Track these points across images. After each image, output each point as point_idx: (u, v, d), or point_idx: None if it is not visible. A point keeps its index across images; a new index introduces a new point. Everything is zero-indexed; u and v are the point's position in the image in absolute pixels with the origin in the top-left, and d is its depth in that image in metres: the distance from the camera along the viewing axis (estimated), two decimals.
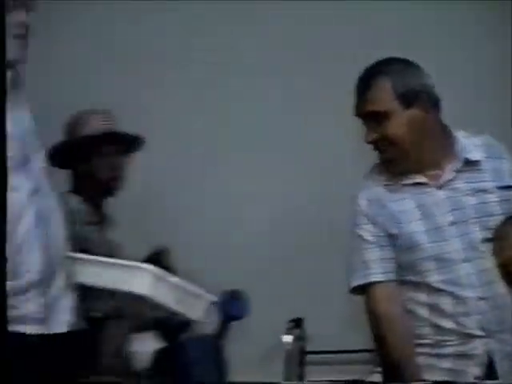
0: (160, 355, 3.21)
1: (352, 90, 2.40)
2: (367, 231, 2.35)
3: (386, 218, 2.33)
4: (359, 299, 2.42)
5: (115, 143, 3.21)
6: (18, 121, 2.04)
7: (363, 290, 2.36)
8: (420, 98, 2.28)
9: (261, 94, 4.26)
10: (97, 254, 2.64)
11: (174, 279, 2.45)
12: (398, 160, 2.31)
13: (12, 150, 1.88)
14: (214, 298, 2.76)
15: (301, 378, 3.41)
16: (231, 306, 3.43)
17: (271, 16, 4.28)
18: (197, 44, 4.28)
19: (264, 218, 4.09)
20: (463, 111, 4.03)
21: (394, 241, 2.33)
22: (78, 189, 3.22)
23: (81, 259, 2.30)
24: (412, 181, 2.33)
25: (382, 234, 2.34)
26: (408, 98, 2.28)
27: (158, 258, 3.17)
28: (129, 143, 3.26)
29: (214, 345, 3.33)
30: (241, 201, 4.09)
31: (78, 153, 3.19)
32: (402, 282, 2.34)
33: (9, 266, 1.86)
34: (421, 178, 2.33)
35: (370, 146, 2.35)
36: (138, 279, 2.31)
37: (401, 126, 2.27)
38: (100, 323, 3.00)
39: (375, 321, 2.33)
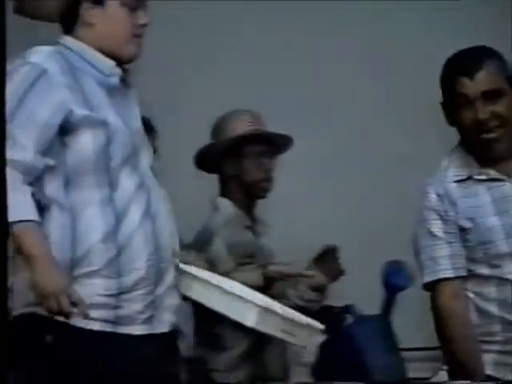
0: (325, 346, 3.12)
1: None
2: (436, 226, 2.32)
3: (458, 214, 2.30)
4: (423, 295, 2.43)
5: (264, 143, 3.11)
6: (130, 117, 2.17)
7: (433, 286, 2.34)
8: None
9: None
10: (257, 260, 2.89)
11: (282, 310, 2.49)
12: (502, 141, 2.29)
13: (122, 145, 2.08)
14: (322, 327, 2.62)
15: None
16: (396, 277, 3.27)
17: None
18: None
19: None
20: None
21: (467, 235, 2.31)
22: (227, 192, 3.13)
23: (192, 275, 2.31)
24: (486, 176, 2.32)
25: (451, 230, 2.32)
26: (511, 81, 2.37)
27: (327, 257, 3.12)
28: (277, 144, 3.16)
29: (381, 323, 3.20)
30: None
31: (226, 155, 3.09)
32: (472, 276, 2.33)
33: (114, 262, 2.03)
34: (495, 174, 2.32)
35: (475, 126, 2.30)
36: (246, 312, 2.30)
37: (511, 106, 2.31)
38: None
39: (443, 317, 2.31)
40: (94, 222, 2.05)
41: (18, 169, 1.98)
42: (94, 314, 1.99)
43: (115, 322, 2.05)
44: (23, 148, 2.01)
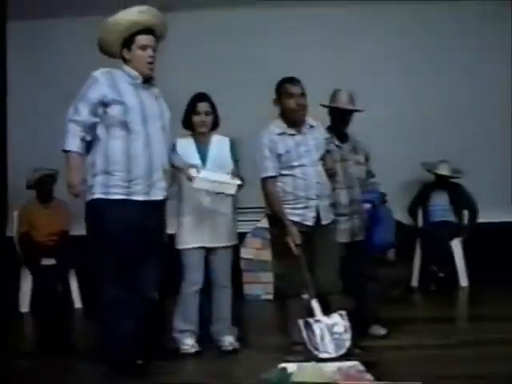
0: None
1: None
2: (267, 152, 4.59)
3: (277, 148, 4.60)
4: None
5: None
6: (148, 101, 4.39)
7: (264, 180, 4.61)
8: None
9: None
10: None
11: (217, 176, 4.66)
12: (304, 116, 4.74)
13: (133, 113, 4.28)
14: (240, 182, 4.66)
15: None
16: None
17: None
18: None
19: None
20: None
21: (280, 157, 4.60)
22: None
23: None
24: (290, 132, 4.67)
25: (273, 154, 4.59)
26: None
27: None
28: None
29: None
30: None
31: None
32: (281, 175, 4.62)
33: (127, 167, 4.24)
34: (294, 131, 4.68)
35: (295, 108, 4.65)
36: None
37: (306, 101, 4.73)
38: None
39: (270, 195, 4.62)
40: (116, 148, 4.25)
41: (76, 123, 4.22)
42: (119, 190, 4.24)
43: (129, 193, 4.27)
44: (79, 113, 4.22)
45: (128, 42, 4.31)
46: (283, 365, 3.98)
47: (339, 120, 5.09)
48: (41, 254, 6.68)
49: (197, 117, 4.86)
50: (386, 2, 7.30)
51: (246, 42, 7.29)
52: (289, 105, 4.62)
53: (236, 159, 4.90)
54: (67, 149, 4.22)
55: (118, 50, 4.36)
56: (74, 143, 4.21)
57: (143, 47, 4.30)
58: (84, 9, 7.03)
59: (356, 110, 5.10)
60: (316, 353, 4.14)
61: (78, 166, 4.23)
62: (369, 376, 3.89)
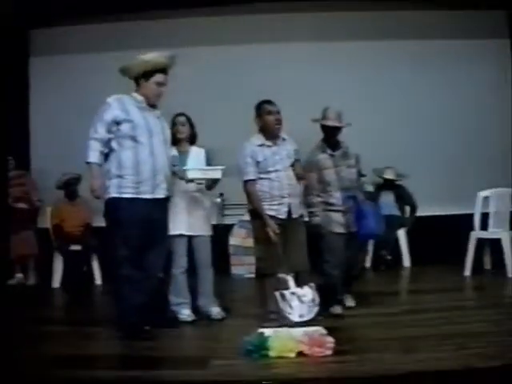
0: None
1: None
2: (254, 159, 4.63)
3: (257, 158, 4.62)
4: None
5: None
6: (151, 121, 4.40)
7: (246, 182, 4.63)
8: None
9: None
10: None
11: (203, 171, 4.76)
12: (280, 130, 4.74)
13: (140, 129, 4.33)
14: (223, 167, 4.66)
15: None
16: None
17: None
18: None
19: None
20: None
21: (259, 164, 4.61)
22: None
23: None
24: (268, 144, 4.69)
25: (252, 161, 4.62)
26: None
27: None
28: None
29: None
30: None
31: None
32: (259, 178, 4.62)
33: (135, 171, 4.30)
34: (271, 143, 4.70)
35: (274, 124, 4.69)
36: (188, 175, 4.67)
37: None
38: None
39: (251, 194, 4.64)
40: (127, 157, 4.30)
41: (96, 140, 4.27)
42: (130, 190, 4.28)
43: (138, 193, 4.30)
44: (98, 132, 4.27)
45: (148, 74, 4.35)
46: (261, 330, 3.98)
47: (329, 134, 4.94)
48: (69, 242, 6.67)
49: (175, 128, 4.84)
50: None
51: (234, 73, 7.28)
52: (269, 121, 4.63)
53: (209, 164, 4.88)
54: (89, 161, 4.27)
55: (136, 76, 4.38)
56: (94, 156, 4.26)
57: (159, 84, 4.37)
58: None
59: (342, 127, 4.95)
60: (290, 317, 4.14)
61: (98, 174, 4.28)
62: (330, 338, 3.89)
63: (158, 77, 4.36)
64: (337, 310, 4.84)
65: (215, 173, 4.68)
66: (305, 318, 4.11)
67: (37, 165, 7.39)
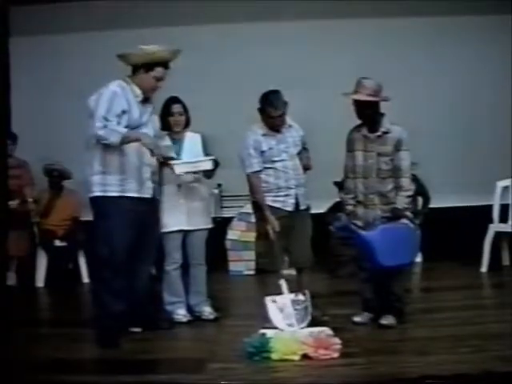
0: None
1: None
2: (252, 151, 4.65)
3: (261, 147, 4.67)
4: None
5: None
6: (145, 114, 4.45)
7: (249, 174, 4.66)
8: None
9: None
10: None
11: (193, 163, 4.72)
12: (282, 122, 4.77)
13: (134, 121, 4.38)
14: (213, 157, 4.71)
15: None
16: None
17: None
18: None
19: None
20: None
21: (265, 153, 4.65)
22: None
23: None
24: (268, 133, 4.71)
25: (257, 151, 4.65)
26: None
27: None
28: None
29: None
30: None
31: None
32: (264, 168, 4.65)
33: (123, 170, 4.33)
34: (276, 133, 4.75)
35: (274, 119, 4.68)
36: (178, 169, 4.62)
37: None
38: None
39: (253, 186, 4.68)
40: (112, 152, 4.30)
41: (108, 126, 4.22)
42: (115, 188, 4.32)
43: (123, 191, 4.32)
44: (110, 121, 4.23)
45: (148, 67, 4.38)
46: (263, 331, 4.01)
47: (358, 110, 4.50)
48: (54, 237, 6.67)
49: (172, 118, 4.86)
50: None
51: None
52: (270, 123, 4.65)
53: (207, 153, 4.85)
54: (119, 139, 4.21)
55: (134, 65, 4.41)
56: (118, 133, 4.22)
57: (158, 78, 4.41)
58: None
59: (372, 102, 4.47)
60: (278, 325, 4.13)
61: (137, 133, 4.33)
62: (336, 340, 3.92)
63: (158, 71, 4.40)
64: (357, 317, 4.67)
65: (205, 164, 4.67)
66: (294, 328, 4.11)
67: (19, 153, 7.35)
